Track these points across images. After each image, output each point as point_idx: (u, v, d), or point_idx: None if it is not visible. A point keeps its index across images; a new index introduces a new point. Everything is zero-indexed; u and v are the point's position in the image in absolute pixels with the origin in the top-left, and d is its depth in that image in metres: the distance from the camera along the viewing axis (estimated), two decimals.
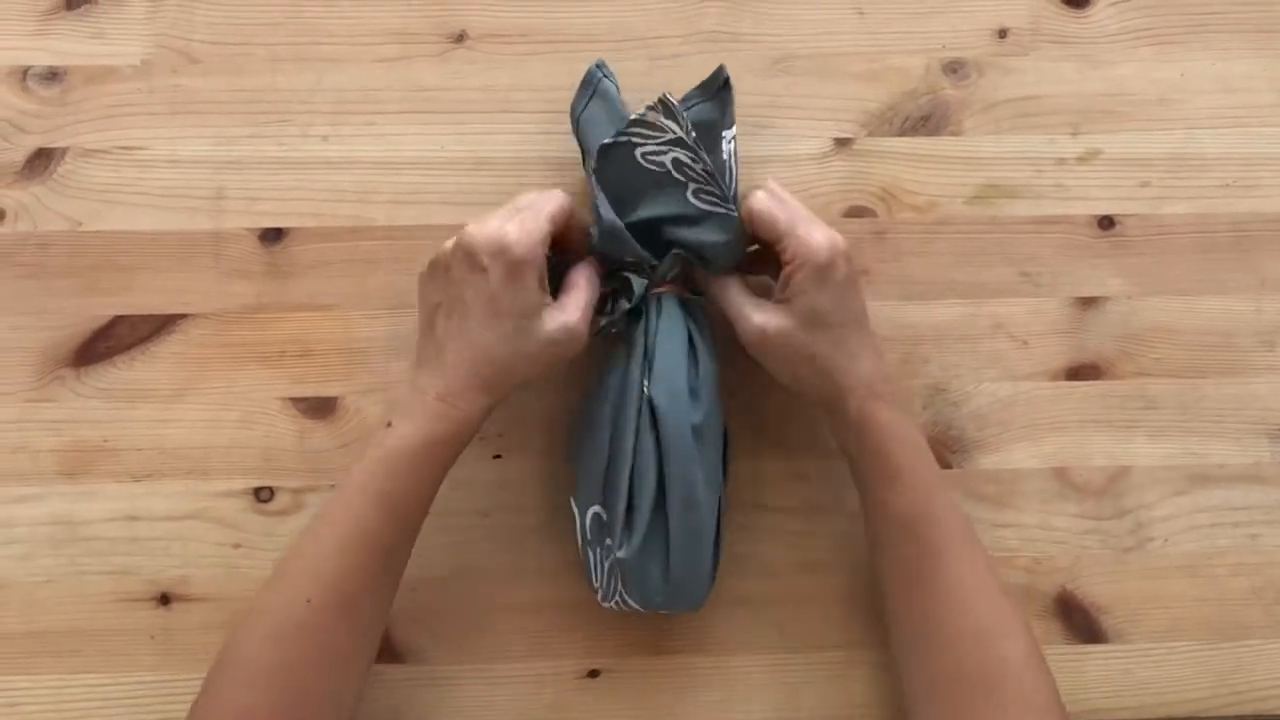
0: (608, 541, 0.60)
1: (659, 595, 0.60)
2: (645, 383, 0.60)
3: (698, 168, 0.60)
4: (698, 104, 0.64)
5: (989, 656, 0.56)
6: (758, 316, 0.59)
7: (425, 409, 0.57)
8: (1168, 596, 0.66)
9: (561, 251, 0.61)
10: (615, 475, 0.60)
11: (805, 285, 0.58)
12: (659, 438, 0.59)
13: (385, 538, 0.57)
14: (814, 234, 0.58)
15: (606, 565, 0.61)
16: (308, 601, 0.55)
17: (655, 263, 0.61)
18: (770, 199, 0.60)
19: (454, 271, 0.57)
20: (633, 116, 0.60)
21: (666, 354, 0.60)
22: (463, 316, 0.57)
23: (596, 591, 0.62)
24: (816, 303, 0.58)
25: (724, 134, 0.64)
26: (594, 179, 0.61)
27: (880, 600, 0.61)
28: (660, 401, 0.59)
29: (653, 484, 0.59)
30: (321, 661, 0.55)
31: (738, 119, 0.67)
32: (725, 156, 0.63)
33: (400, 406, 0.57)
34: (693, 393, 0.60)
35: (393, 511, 0.57)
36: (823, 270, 0.58)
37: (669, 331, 0.61)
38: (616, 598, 0.61)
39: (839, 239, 0.59)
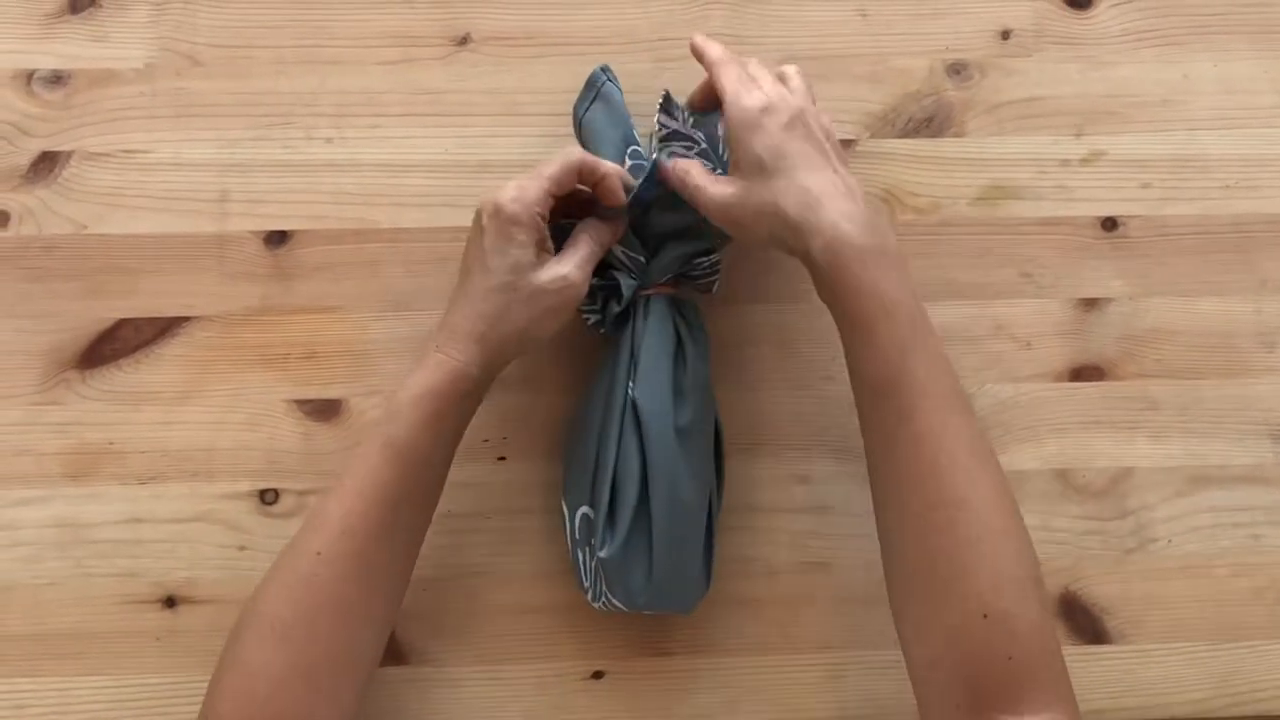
0: (593, 542, 0.61)
1: (641, 596, 0.60)
2: (630, 384, 0.60)
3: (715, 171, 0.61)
4: (701, 117, 0.64)
5: (959, 532, 0.53)
6: (713, 189, 0.59)
7: (426, 360, 0.58)
8: (1170, 597, 0.66)
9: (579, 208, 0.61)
10: (600, 476, 0.60)
11: (739, 136, 0.57)
12: (642, 439, 0.59)
13: (390, 488, 0.56)
14: (749, 88, 0.58)
15: (593, 566, 0.61)
16: (317, 554, 0.55)
17: (644, 260, 0.61)
18: (725, 60, 0.60)
19: (469, 234, 0.59)
20: (661, 131, 0.62)
21: (651, 356, 0.60)
22: (465, 274, 0.59)
23: (587, 592, 0.62)
24: (755, 154, 0.57)
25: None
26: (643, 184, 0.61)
27: (868, 465, 0.58)
28: (642, 403, 0.60)
29: (635, 485, 0.59)
30: (334, 614, 0.55)
31: None
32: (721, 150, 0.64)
33: (415, 363, 0.58)
34: (678, 394, 0.60)
35: (396, 460, 0.56)
36: (751, 120, 0.57)
37: (656, 332, 0.61)
38: (603, 598, 0.61)
39: (781, 96, 0.58)
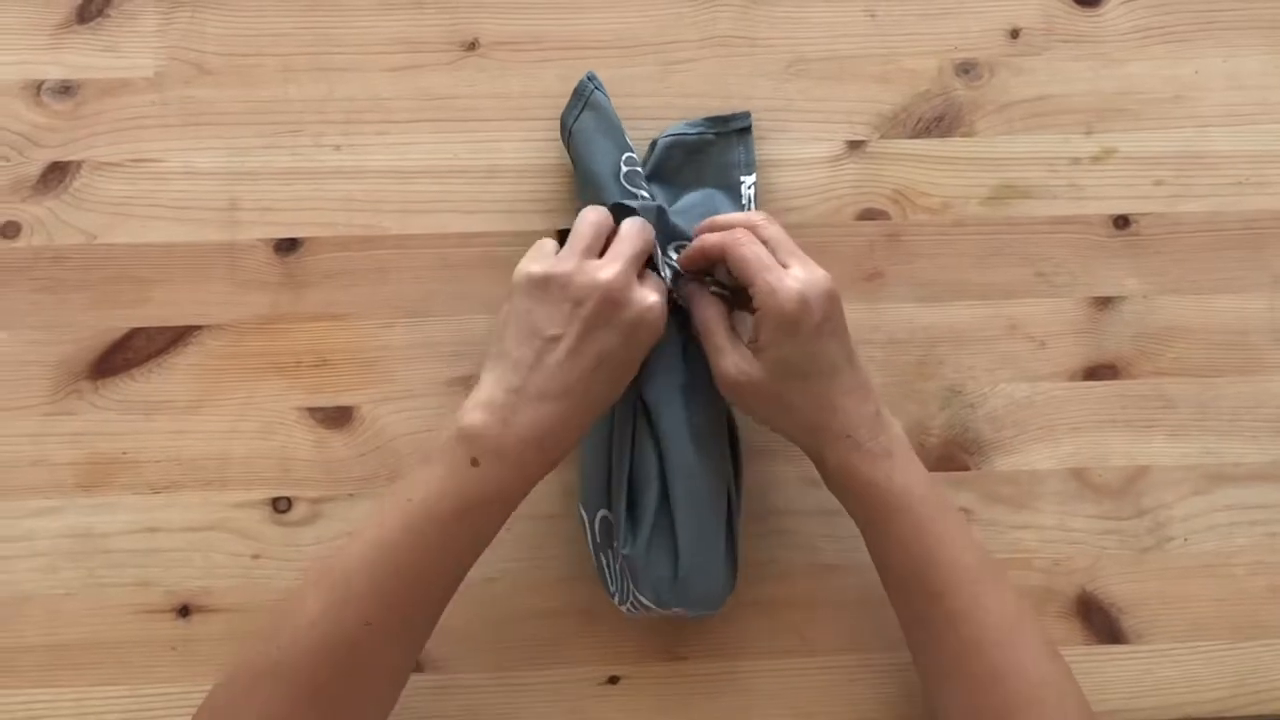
0: (615, 544, 0.60)
1: (669, 593, 0.60)
2: (639, 385, 0.60)
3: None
4: (706, 134, 0.64)
5: (1005, 695, 0.54)
6: (730, 362, 0.57)
7: (524, 462, 0.54)
8: (1187, 596, 0.65)
9: None
10: (616, 478, 0.60)
11: (773, 336, 0.56)
12: (657, 437, 0.59)
13: (451, 575, 0.55)
14: (783, 282, 0.55)
15: (617, 567, 0.61)
16: (367, 625, 0.53)
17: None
18: (744, 241, 0.57)
19: (585, 310, 0.54)
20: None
21: (658, 355, 0.60)
22: (596, 363, 0.54)
23: (614, 596, 0.62)
24: (786, 354, 0.56)
25: (743, 179, 0.65)
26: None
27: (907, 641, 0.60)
28: (652, 401, 0.60)
29: (655, 483, 0.59)
30: (373, 685, 0.54)
31: (752, 122, 0.67)
32: (745, 202, 0.65)
33: (496, 450, 0.54)
34: (687, 390, 0.60)
35: (467, 552, 0.55)
36: (789, 322, 0.55)
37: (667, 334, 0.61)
38: (631, 599, 0.61)
39: (813, 284, 0.56)
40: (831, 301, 0.56)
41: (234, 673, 0.54)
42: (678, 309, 0.61)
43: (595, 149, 0.63)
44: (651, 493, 0.59)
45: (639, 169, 0.63)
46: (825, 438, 0.57)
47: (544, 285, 0.55)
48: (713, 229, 0.60)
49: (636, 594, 0.60)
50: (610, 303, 0.54)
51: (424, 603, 0.55)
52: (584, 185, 0.64)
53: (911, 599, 0.57)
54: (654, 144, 0.66)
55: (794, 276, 0.56)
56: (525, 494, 0.56)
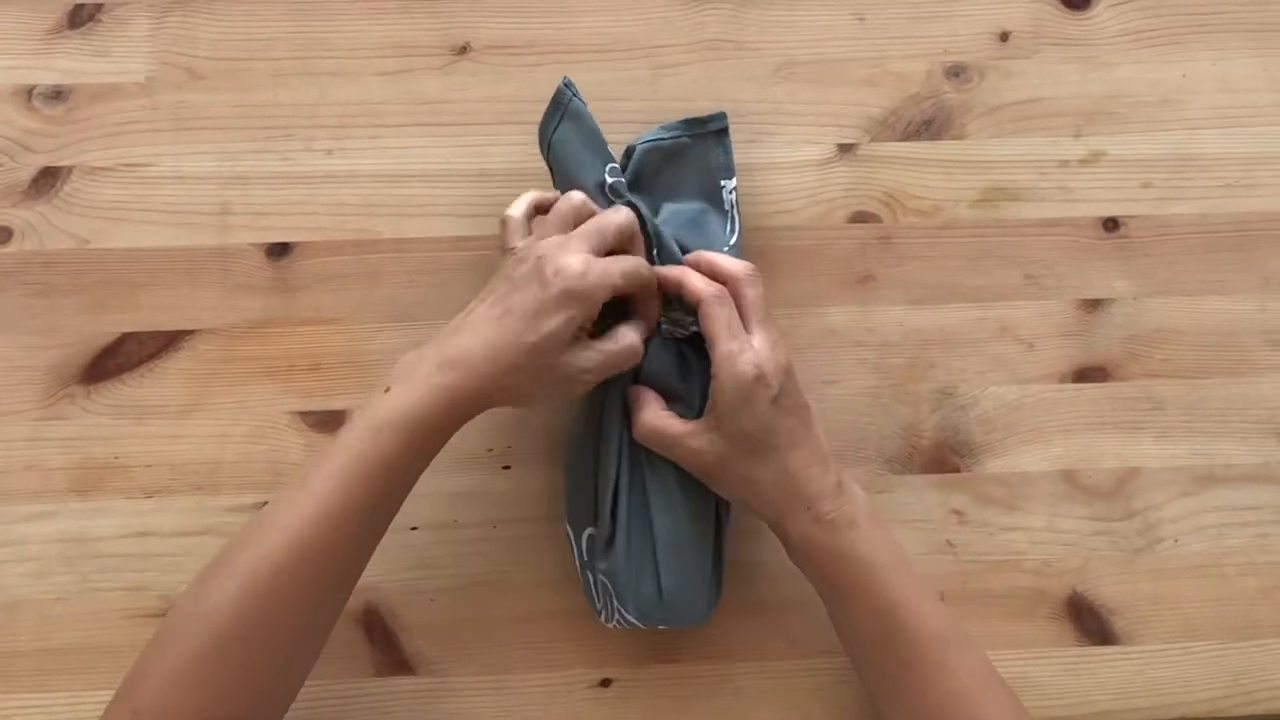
0: (595, 560, 0.61)
1: (656, 611, 0.60)
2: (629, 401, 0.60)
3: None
4: (681, 137, 0.64)
5: None
6: (694, 442, 0.58)
7: (429, 379, 0.55)
8: (1178, 597, 0.66)
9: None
10: (603, 495, 0.60)
11: (730, 405, 0.56)
12: (641, 456, 0.60)
13: (367, 503, 0.55)
14: (744, 353, 0.56)
15: (599, 584, 0.61)
16: (281, 564, 0.53)
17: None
18: (721, 300, 0.58)
19: (518, 272, 0.57)
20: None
21: (650, 373, 0.60)
22: (500, 309, 0.56)
23: (599, 614, 0.62)
24: (744, 425, 0.56)
25: (724, 183, 0.64)
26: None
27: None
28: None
29: (640, 500, 0.59)
30: (290, 621, 0.54)
31: (741, 125, 0.68)
32: (727, 207, 0.64)
33: (401, 373, 0.56)
34: (680, 403, 0.60)
35: (378, 478, 0.54)
36: (745, 391, 0.56)
37: (655, 347, 0.60)
38: (617, 616, 0.61)
39: (771, 359, 0.57)
40: (788, 377, 0.57)
41: (161, 626, 0.55)
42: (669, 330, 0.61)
43: (577, 162, 0.62)
44: (636, 510, 0.59)
45: (622, 179, 0.62)
46: (786, 510, 0.57)
47: (521, 265, 0.58)
48: (702, 266, 0.60)
49: (621, 610, 0.61)
50: (537, 262, 0.56)
51: (339, 533, 0.54)
52: None
53: (878, 665, 0.58)
54: (630, 150, 0.64)
55: (754, 348, 0.57)
56: (428, 429, 0.55)
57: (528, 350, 0.56)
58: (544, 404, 0.60)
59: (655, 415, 0.59)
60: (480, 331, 0.56)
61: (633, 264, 0.58)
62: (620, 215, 0.59)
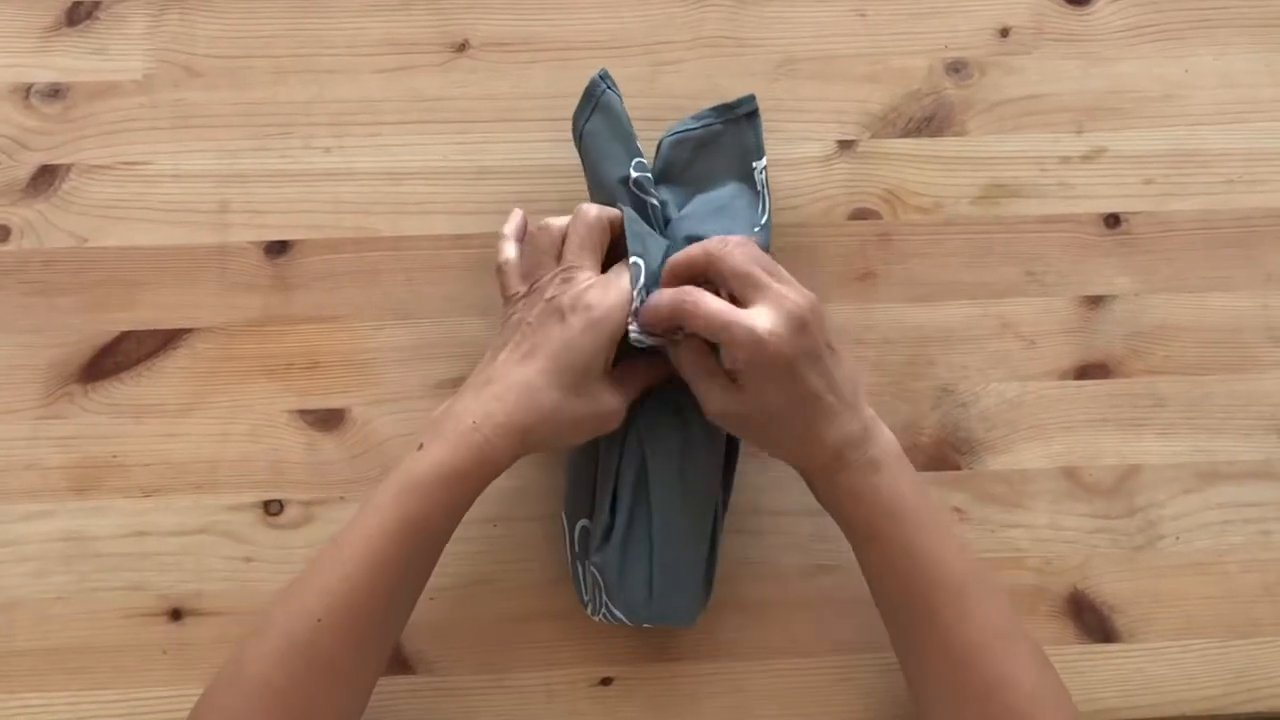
0: (591, 555, 0.60)
1: (644, 610, 0.60)
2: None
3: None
4: (713, 125, 0.63)
5: (998, 708, 0.55)
6: (715, 400, 0.56)
7: (464, 436, 0.55)
8: (1180, 594, 0.65)
9: None
10: (600, 487, 0.60)
11: (748, 378, 0.55)
12: (645, 453, 0.59)
13: (403, 564, 0.55)
14: (748, 334, 0.54)
15: (589, 577, 0.61)
16: (318, 622, 0.54)
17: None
18: (695, 300, 0.55)
19: (532, 314, 0.57)
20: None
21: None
22: (530, 355, 0.56)
23: (586, 606, 0.62)
24: (764, 394, 0.55)
25: (755, 164, 0.64)
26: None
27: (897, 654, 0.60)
28: (647, 417, 0.59)
29: (638, 497, 0.59)
30: (328, 681, 0.55)
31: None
32: (759, 187, 0.64)
33: (434, 431, 0.56)
34: (681, 407, 0.60)
35: (414, 538, 0.55)
36: (758, 369, 0.54)
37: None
38: (604, 610, 0.61)
39: (778, 324, 0.54)
40: (802, 333, 0.54)
41: (208, 687, 0.56)
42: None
43: (605, 155, 0.62)
44: (628, 506, 0.59)
45: (649, 174, 0.62)
46: (813, 464, 0.57)
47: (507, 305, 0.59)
48: (670, 273, 0.58)
49: (609, 606, 0.60)
50: (549, 302, 0.56)
51: (373, 594, 0.55)
52: (595, 191, 0.63)
53: (900, 612, 0.58)
54: (660, 145, 0.64)
55: (756, 324, 0.54)
56: (467, 482, 0.55)
57: (564, 397, 0.55)
58: (577, 443, 0.59)
59: (694, 351, 0.57)
60: (511, 381, 0.55)
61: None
62: (591, 213, 0.59)
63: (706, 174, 0.64)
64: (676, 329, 0.57)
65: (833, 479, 0.57)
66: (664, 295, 0.56)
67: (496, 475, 0.56)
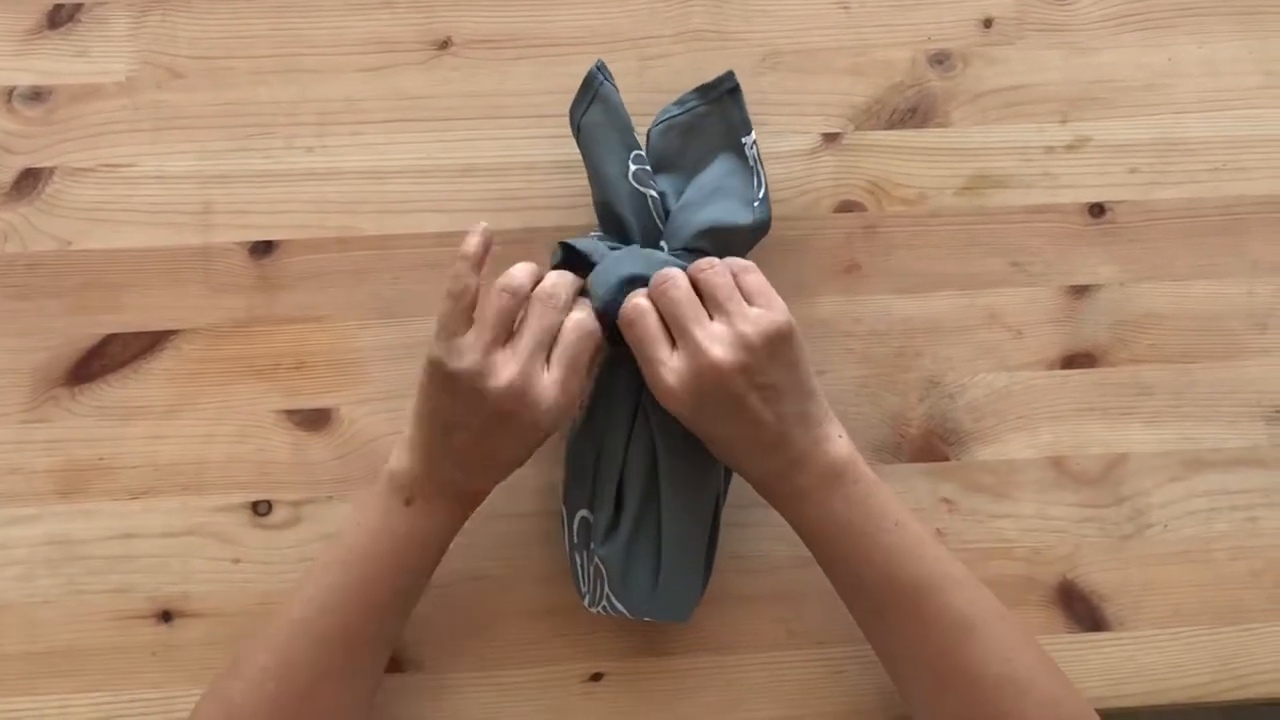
0: (592, 545, 0.60)
1: (647, 603, 0.60)
2: (641, 394, 0.60)
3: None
4: (697, 107, 0.63)
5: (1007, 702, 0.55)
6: (665, 375, 0.56)
7: (455, 504, 0.58)
8: (1168, 582, 0.66)
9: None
10: (601, 478, 0.60)
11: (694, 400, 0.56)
12: (654, 445, 0.59)
13: (396, 611, 0.58)
14: (660, 381, 0.56)
15: (591, 569, 0.61)
16: (315, 671, 0.56)
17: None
18: (639, 328, 0.56)
19: (485, 413, 0.55)
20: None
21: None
22: (495, 451, 0.57)
23: (584, 596, 0.62)
24: (690, 423, 0.57)
25: (744, 139, 0.64)
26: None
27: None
28: (654, 408, 0.59)
29: (641, 486, 0.59)
30: (333, 686, 0.56)
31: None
32: (751, 162, 0.63)
33: (423, 492, 0.57)
34: None
35: (410, 589, 0.58)
36: (676, 411, 0.57)
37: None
38: (604, 602, 0.61)
39: (690, 373, 0.55)
40: (710, 389, 0.55)
41: (201, 712, 0.57)
42: None
43: (603, 148, 0.62)
44: (638, 499, 0.59)
45: (647, 166, 0.62)
46: (771, 485, 0.59)
47: (448, 380, 0.55)
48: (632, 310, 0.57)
49: (610, 597, 0.60)
50: (508, 407, 0.55)
51: (372, 640, 0.57)
52: (594, 184, 0.63)
53: (866, 621, 0.59)
54: (649, 135, 0.64)
55: (663, 374, 0.55)
56: (456, 533, 0.59)
57: (525, 451, 0.58)
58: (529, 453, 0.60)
59: (650, 327, 0.57)
60: (479, 469, 0.58)
61: (573, 362, 0.56)
62: (552, 294, 0.56)
63: (699, 157, 0.64)
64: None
65: (773, 504, 0.59)
66: (626, 304, 0.57)
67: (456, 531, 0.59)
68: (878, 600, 0.57)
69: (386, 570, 0.57)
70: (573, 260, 0.59)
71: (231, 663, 0.57)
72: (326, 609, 0.56)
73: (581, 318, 0.56)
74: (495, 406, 0.54)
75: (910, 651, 0.57)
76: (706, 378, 0.55)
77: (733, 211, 0.62)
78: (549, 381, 0.55)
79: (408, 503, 0.57)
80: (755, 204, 0.63)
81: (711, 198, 0.62)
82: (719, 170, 0.63)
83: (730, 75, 0.64)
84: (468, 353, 0.54)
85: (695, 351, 0.55)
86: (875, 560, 0.57)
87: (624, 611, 0.60)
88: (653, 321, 0.56)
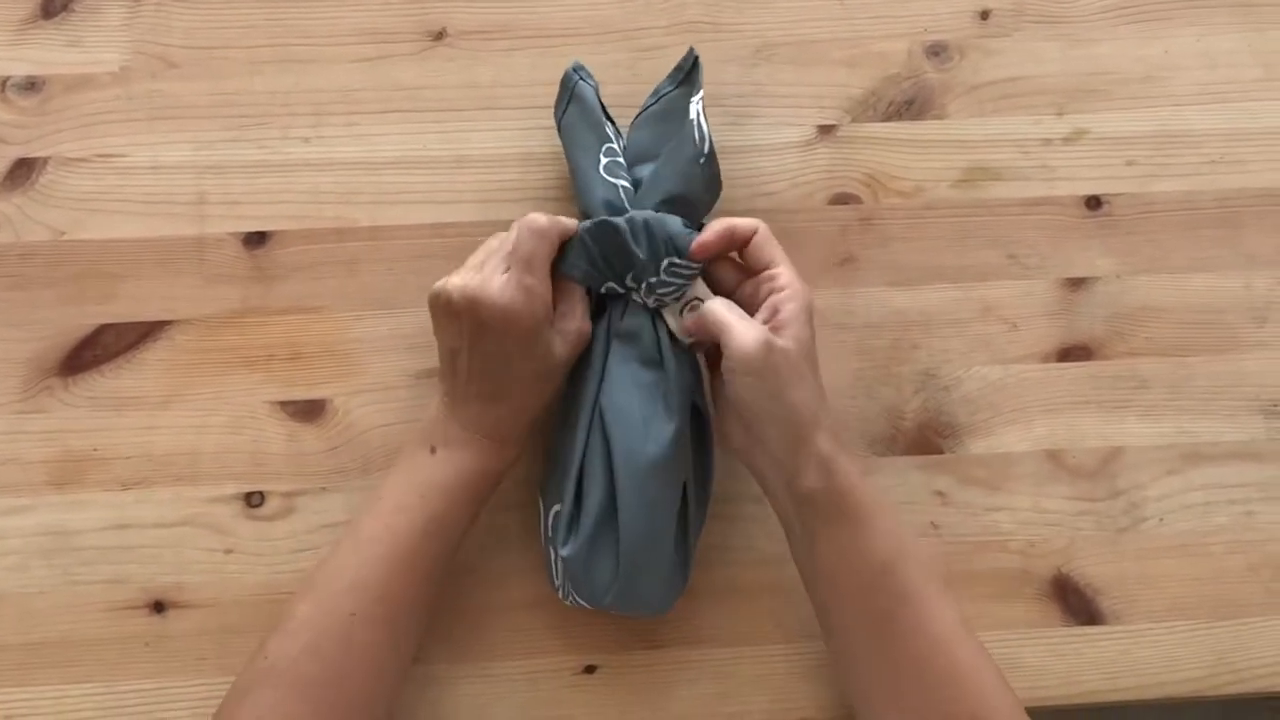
0: (554, 536, 0.60)
1: (607, 595, 0.60)
2: (599, 385, 0.60)
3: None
4: (669, 93, 0.63)
5: (970, 695, 0.55)
6: (755, 332, 0.56)
7: (478, 446, 0.58)
8: (1164, 576, 0.65)
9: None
10: (565, 473, 0.60)
11: (799, 317, 0.57)
12: (608, 441, 0.59)
13: (429, 560, 0.58)
14: (798, 279, 0.58)
15: (560, 562, 0.61)
16: (351, 615, 0.56)
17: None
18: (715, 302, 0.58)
19: (466, 326, 0.57)
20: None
21: (620, 356, 0.60)
22: (498, 366, 0.58)
23: (558, 590, 0.62)
24: (806, 336, 0.57)
25: (692, 99, 0.62)
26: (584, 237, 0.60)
27: (842, 660, 0.59)
28: (607, 406, 0.59)
29: (600, 485, 0.59)
30: (364, 674, 0.56)
31: (721, 108, 0.68)
32: (693, 116, 0.62)
33: (445, 438, 0.59)
34: (645, 389, 0.59)
35: (440, 536, 0.58)
36: (809, 310, 0.58)
37: (629, 330, 0.60)
38: (571, 597, 0.61)
39: (752, 341, 0.56)
40: (811, 305, 0.58)
41: (232, 687, 0.56)
42: (655, 310, 0.61)
43: (578, 145, 0.62)
44: (595, 495, 0.59)
45: (619, 159, 0.62)
46: (816, 425, 0.56)
47: (431, 306, 0.59)
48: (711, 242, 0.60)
49: (575, 594, 0.61)
50: (475, 314, 0.57)
51: (405, 589, 0.58)
52: (573, 178, 0.63)
53: (873, 602, 0.57)
54: (630, 128, 0.64)
55: (740, 335, 0.56)
56: (490, 478, 0.59)
57: (539, 383, 0.59)
58: (542, 400, 0.60)
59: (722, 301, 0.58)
60: (495, 390, 0.59)
61: (527, 260, 0.57)
62: (525, 232, 0.58)
63: (667, 141, 0.63)
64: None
65: (828, 463, 0.57)
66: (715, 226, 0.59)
67: (506, 470, 0.60)
68: (905, 583, 0.56)
69: (416, 521, 0.57)
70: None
71: (276, 621, 0.57)
72: (362, 560, 0.57)
73: (531, 217, 0.58)
74: (467, 315, 0.57)
75: (908, 653, 0.57)
76: (805, 298, 0.58)
77: (681, 171, 0.61)
78: (501, 279, 0.57)
79: (432, 451, 0.58)
80: (701, 160, 0.61)
81: (659, 173, 0.61)
82: (658, 141, 0.63)
83: (690, 51, 0.63)
84: (452, 274, 0.58)
85: (791, 282, 0.58)
86: (908, 540, 0.58)
87: (585, 604, 0.60)
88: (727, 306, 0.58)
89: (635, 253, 0.59)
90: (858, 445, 0.66)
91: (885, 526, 0.57)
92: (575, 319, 0.60)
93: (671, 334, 0.61)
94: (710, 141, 0.62)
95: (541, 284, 0.58)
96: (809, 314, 0.58)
